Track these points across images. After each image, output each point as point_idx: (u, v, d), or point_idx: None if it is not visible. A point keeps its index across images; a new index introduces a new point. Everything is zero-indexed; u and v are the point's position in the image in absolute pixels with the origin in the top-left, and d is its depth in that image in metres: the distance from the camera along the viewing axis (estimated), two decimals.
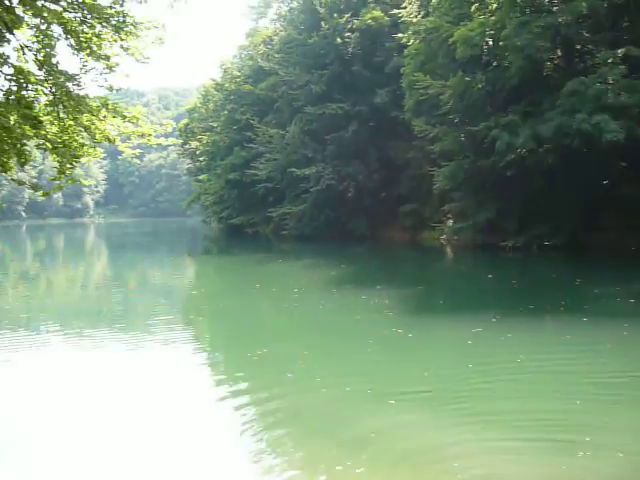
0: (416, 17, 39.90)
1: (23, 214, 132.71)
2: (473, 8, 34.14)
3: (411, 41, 39.02)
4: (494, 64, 33.59)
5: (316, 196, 49.31)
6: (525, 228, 33.04)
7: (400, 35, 41.22)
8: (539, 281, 24.48)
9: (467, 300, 20.52)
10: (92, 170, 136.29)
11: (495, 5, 32.75)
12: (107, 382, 12.04)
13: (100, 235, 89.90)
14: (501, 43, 31.48)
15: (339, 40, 48.43)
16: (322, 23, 49.79)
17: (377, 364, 12.74)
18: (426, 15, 38.76)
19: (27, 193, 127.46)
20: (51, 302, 24.63)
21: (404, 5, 41.93)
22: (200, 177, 76.69)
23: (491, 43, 32.91)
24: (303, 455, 8.27)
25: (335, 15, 49.81)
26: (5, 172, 9.58)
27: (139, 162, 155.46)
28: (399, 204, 45.84)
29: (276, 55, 56.96)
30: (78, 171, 10.48)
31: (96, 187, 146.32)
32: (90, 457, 8.28)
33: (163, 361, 13.68)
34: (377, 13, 47.20)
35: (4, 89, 8.90)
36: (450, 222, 40.41)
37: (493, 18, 32.22)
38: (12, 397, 11.10)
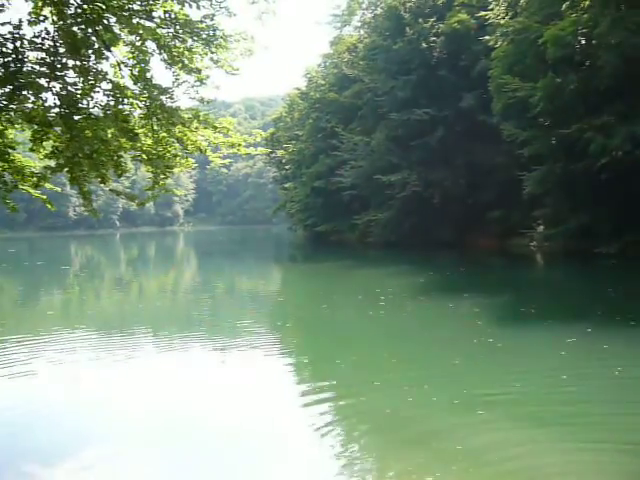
0: (504, 18, 39.08)
1: (117, 223, 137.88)
2: (564, 6, 33.01)
3: (499, 43, 38.27)
4: (587, 64, 32.45)
5: (401, 203, 48.97)
6: (621, 234, 31.73)
7: (487, 37, 40.47)
8: (637, 290, 23.41)
9: (560, 309, 19.82)
10: (182, 180, 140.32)
11: (588, 2, 31.61)
12: (195, 385, 12.33)
13: (189, 243, 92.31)
14: (594, 42, 30.41)
15: (424, 45, 48.02)
16: (407, 28, 49.52)
17: (465, 374, 12.48)
18: (514, 16, 37.91)
19: (121, 203, 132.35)
20: (143, 307, 25.45)
21: (491, 7, 41.17)
22: (286, 185, 77.61)
23: (583, 42, 31.84)
24: (389, 465, 8.18)
25: (420, 20, 49.44)
26: (104, 183, 9.97)
27: (227, 171, 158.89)
28: (486, 210, 44.90)
29: (360, 62, 57.05)
30: (169, 181, 10.79)
31: (185, 196, 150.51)
32: (180, 457, 8.49)
33: (250, 366, 13.86)
34: (463, 16, 46.53)
35: (102, 104, 9.28)
36: (540, 228, 39.29)
37: (585, 16, 31.14)
38: (106, 398, 11.51)
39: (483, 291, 23.83)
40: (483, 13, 41.97)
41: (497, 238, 44.32)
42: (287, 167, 76.08)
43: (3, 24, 8.76)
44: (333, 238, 59.67)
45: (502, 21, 38.91)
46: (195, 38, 8.94)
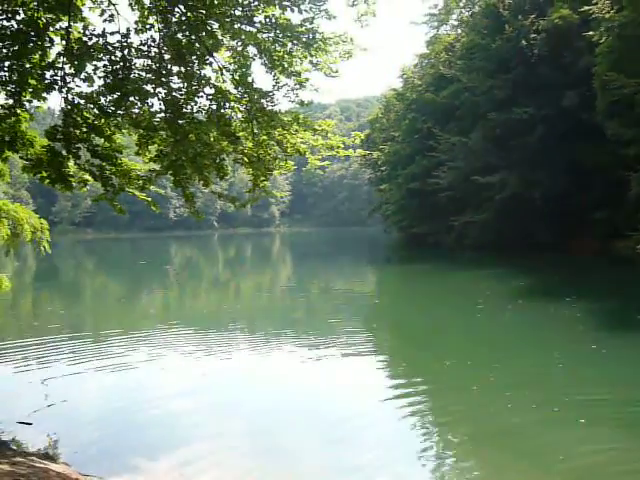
0: (608, 12, 37.42)
1: (215, 224, 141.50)
2: None
3: (603, 39, 36.71)
4: None
5: (500, 204, 47.78)
6: None
7: (591, 33, 38.88)
8: None
9: None
10: (278, 182, 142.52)
11: None
12: (289, 383, 12.53)
13: (284, 244, 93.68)
14: None
15: (524, 42, 46.65)
16: (506, 26, 48.29)
17: (566, 380, 12.06)
18: (620, 10, 36.26)
19: (219, 204, 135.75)
20: (239, 306, 26.02)
21: (595, 1, 39.51)
22: (381, 187, 77.31)
23: None
24: (486, 473, 7.97)
25: (519, 17, 48.11)
26: (206, 186, 10.21)
27: (322, 173, 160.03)
28: (589, 211, 43.09)
29: (458, 62, 56.12)
30: (267, 183, 10.95)
31: (282, 198, 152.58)
32: (274, 448, 8.62)
33: (343, 365, 13.92)
34: (565, 11, 44.87)
35: (205, 108, 9.50)
36: None
37: None
38: (203, 393, 11.85)
39: (586, 295, 22.89)
40: (586, 8, 40.28)
41: (600, 240, 42.48)
42: (383, 168, 75.79)
43: (112, 33, 9.11)
44: (429, 240, 58.89)
45: (607, 15, 37.24)
46: (295, 42, 8.98)
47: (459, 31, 64.14)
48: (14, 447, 8.64)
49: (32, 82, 9.10)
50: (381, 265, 48.94)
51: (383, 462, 8.32)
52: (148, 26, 9.30)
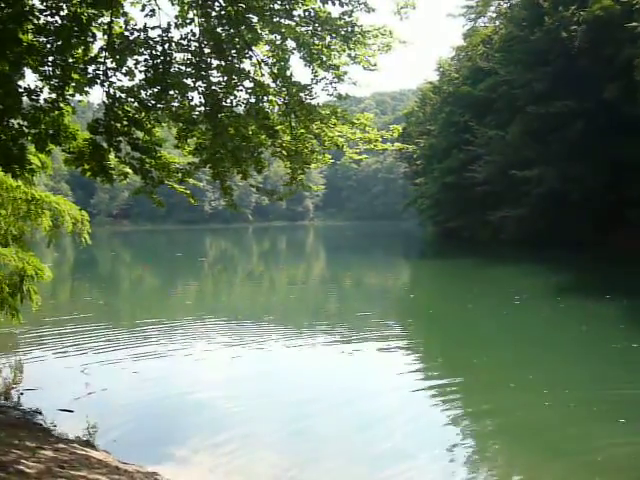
0: None
1: (250, 217, 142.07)
2: None
3: None
4: None
5: (537, 199, 47.14)
6: None
7: (634, 24, 38.06)
8: None
9: None
10: (312, 175, 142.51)
11: None
12: (321, 374, 12.62)
13: (318, 237, 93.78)
14: None
15: (564, 34, 45.81)
16: (545, 18, 47.49)
17: (606, 379, 11.87)
18: None
19: (254, 197, 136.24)
20: (274, 298, 26.17)
21: None
22: (417, 181, 76.92)
23: None
24: (518, 472, 7.91)
25: (560, 8, 47.25)
26: (245, 179, 10.30)
27: (357, 167, 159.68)
28: (629, 207, 42.24)
29: (496, 54, 55.46)
30: (303, 177, 11.01)
31: (316, 191, 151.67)
32: (309, 438, 8.68)
33: (377, 358, 13.93)
34: (607, 2, 43.91)
35: (244, 102, 9.57)
36: None
37: None
38: (238, 382, 12.00)
39: (627, 293, 22.44)
40: None
41: None
42: (418, 162, 75.39)
43: (153, 28, 9.22)
44: (464, 234, 58.40)
45: None
46: (334, 35, 8.98)
47: (497, 23, 63.36)
48: (56, 434, 8.83)
49: (75, 76, 9.26)
50: (416, 259, 48.73)
51: (413, 453, 8.35)
52: (188, 20, 9.40)
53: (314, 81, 9.40)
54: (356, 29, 8.97)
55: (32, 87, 9.17)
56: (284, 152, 10.18)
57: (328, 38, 9.17)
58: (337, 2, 8.50)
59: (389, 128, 10.32)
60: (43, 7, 8.97)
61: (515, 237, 49.19)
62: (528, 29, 49.36)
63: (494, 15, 65.79)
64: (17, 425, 8.71)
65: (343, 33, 8.98)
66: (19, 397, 10.81)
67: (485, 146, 53.99)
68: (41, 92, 9.27)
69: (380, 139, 9.87)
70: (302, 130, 9.82)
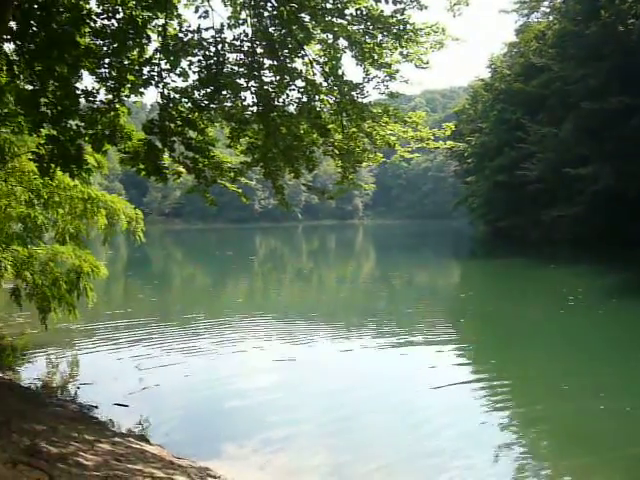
0: None
1: (300, 216, 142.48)
2: None
3: None
4: None
5: (592, 197, 46.04)
6: None
7: None
8: None
9: None
10: (362, 173, 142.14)
11: None
12: (370, 371, 12.60)
13: (368, 236, 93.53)
14: None
15: (620, 28, 44.65)
16: (601, 11, 46.34)
17: None
18: None
19: (303, 196, 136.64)
20: (323, 297, 26.22)
21: None
22: (467, 179, 76.04)
23: None
24: (568, 475, 7.76)
25: (616, 1, 46.05)
26: (297, 178, 10.36)
27: (407, 165, 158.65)
28: None
29: (549, 50, 54.44)
30: (354, 175, 11.01)
31: (366, 190, 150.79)
32: (353, 436, 8.67)
33: (425, 360, 13.81)
34: None
35: (296, 101, 9.62)
36: None
37: None
38: (285, 380, 12.09)
39: None
40: None
41: None
42: (469, 160, 74.51)
43: (207, 29, 9.36)
44: (516, 234, 57.44)
45: None
46: (386, 33, 8.96)
47: (551, 18, 62.10)
48: (112, 428, 9.03)
49: (130, 78, 9.46)
50: (466, 259, 48.18)
51: (460, 453, 8.29)
52: (241, 21, 9.51)
53: (366, 79, 9.40)
54: (408, 27, 8.93)
55: (89, 89, 9.41)
56: (336, 151, 10.20)
57: (380, 36, 9.15)
58: (390, 0, 8.46)
59: (440, 126, 10.26)
60: (100, 11, 9.19)
61: (569, 236, 48.19)
62: (583, 23, 48.29)
63: (547, 10, 64.53)
64: (75, 418, 8.93)
65: (395, 31, 8.95)
66: (76, 391, 11.10)
67: (538, 144, 53.02)
68: (98, 93, 9.50)
69: (432, 137, 9.80)
70: (354, 129, 9.83)
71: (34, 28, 8.86)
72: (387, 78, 9.32)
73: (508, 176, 57.12)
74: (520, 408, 10.40)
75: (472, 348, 15.54)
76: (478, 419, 9.69)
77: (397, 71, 9.31)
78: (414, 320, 18.87)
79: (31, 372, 12.24)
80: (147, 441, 8.51)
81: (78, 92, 9.23)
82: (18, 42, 9.10)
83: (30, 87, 9.47)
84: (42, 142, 9.51)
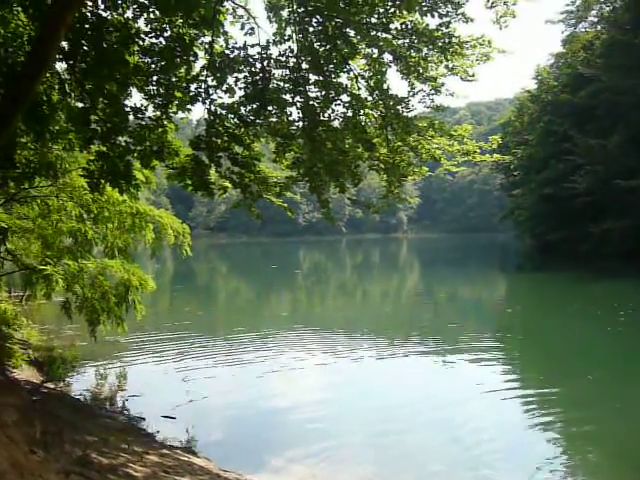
0: None
1: (343, 229, 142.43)
2: None
3: None
4: None
5: None
6: None
7: None
8: None
9: None
10: (406, 187, 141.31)
11: None
12: (414, 385, 12.53)
13: (412, 250, 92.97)
14: None
15: None
16: None
17: None
18: None
19: (347, 210, 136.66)
20: (367, 311, 26.13)
21: None
22: (514, 192, 75.01)
23: None
24: None
25: None
26: (342, 192, 10.38)
27: (452, 178, 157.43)
28: None
29: (597, 60, 53.51)
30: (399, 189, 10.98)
31: (410, 204, 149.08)
32: (399, 450, 8.58)
33: (470, 373, 13.65)
34: None
35: (341, 116, 9.66)
36: None
37: None
38: (328, 394, 12.08)
39: None
40: None
41: None
42: (515, 173, 73.52)
43: (252, 46, 9.48)
44: (564, 247, 56.34)
45: None
46: (431, 46, 8.94)
47: (598, 28, 61.11)
48: (160, 439, 9.13)
49: (178, 95, 9.63)
50: (512, 273, 47.46)
51: (501, 465, 8.21)
52: (286, 37, 9.59)
53: (411, 93, 9.38)
54: (454, 40, 8.90)
55: (138, 106, 9.61)
56: (381, 165, 10.20)
57: (425, 50, 9.14)
58: (436, 14, 8.44)
59: (486, 139, 10.16)
60: (148, 29, 9.39)
61: (620, 250, 47.02)
62: (631, 32, 47.46)
63: (595, 20, 63.52)
64: (124, 430, 9.06)
65: (440, 44, 8.93)
66: (124, 403, 11.27)
67: (586, 156, 51.99)
68: (146, 110, 9.70)
69: (478, 151, 9.72)
70: (399, 143, 9.82)
71: (85, 47, 9.09)
72: (432, 91, 9.30)
73: (555, 189, 56.12)
74: (569, 425, 10.19)
75: (519, 363, 15.30)
76: (524, 434, 9.55)
77: (442, 84, 9.28)
78: (459, 335, 18.64)
79: (81, 383, 12.48)
80: (194, 453, 8.59)
81: (127, 109, 9.44)
82: (69, 61, 9.34)
83: (81, 105, 9.71)
84: (92, 158, 9.73)
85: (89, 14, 8.96)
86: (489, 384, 12.39)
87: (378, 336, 18.85)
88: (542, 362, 15.37)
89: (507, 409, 10.90)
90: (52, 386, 11.65)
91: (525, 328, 20.45)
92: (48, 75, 8.94)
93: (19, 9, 9.14)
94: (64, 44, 8.83)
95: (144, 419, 10.20)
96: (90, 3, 8.88)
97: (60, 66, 9.57)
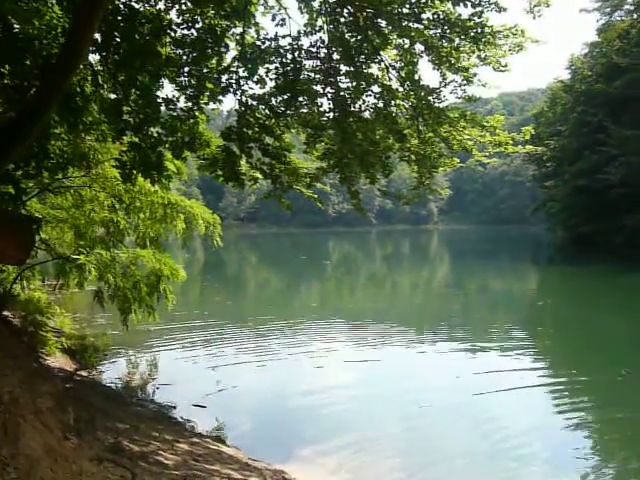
0: None
1: (373, 220, 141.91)
2: None
3: None
4: None
5: None
6: None
7: None
8: None
9: None
10: (436, 178, 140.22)
11: None
12: (443, 380, 12.47)
13: (442, 241, 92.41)
14: None
15: None
16: None
17: None
18: None
19: (377, 201, 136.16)
20: (396, 303, 26.06)
21: None
22: (546, 183, 74.03)
23: None
24: None
25: None
26: (373, 183, 10.36)
27: (483, 169, 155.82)
28: None
29: (633, 49, 52.50)
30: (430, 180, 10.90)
31: (441, 195, 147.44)
32: (429, 447, 8.56)
33: (501, 366, 13.53)
34: None
35: (372, 106, 9.61)
36: None
37: None
38: (359, 386, 12.11)
39: None
40: None
41: None
42: (547, 164, 72.54)
43: (284, 37, 9.47)
44: (598, 240, 55.49)
45: None
46: (463, 37, 8.84)
47: (635, 16, 59.88)
48: (189, 428, 9.23)
49: (209, 86, 9.66)
50: (544, 265, 46.95)
51: (533, 458, 8.17)
52: (317, 28, 9.56)
53: (442, 84, 9.29)
54: (486, 30, 8.78)
55: (170, 97, 9.67)
56: (412, 156, 10.13)
57: (457, 40, 9.04)
58: (469, 4, 8.33)
59: (518, 130, 10.04)
60: (180, 21, 9.43)
61: None
62: None
63: (632, 8, 62.21)
64: (155, 418, 9.18)
65: (473, 34, 8.82)
66: (154, 391, 11.40)
67: (620, 146, 51.11)
68: (178, 102, 9.75)
69: (511, 142, 9.60)
70: (430, 134, 9.74)
71: (117, 39, 9.16)
72: (464, 82, 9.20)
73: (589, 180, 55.29)
74: (601, 422, 10.07)
75: (550, 357, 15.13)
76: (554, 430, 9.47)
77: (474, 75, 9.17)
78: (490, 327, 18.51)
79: (112, 372, 12.66)
80: (223, 442, 8.66)
81: (159, 100, 9.49)
82: (102, 53, 9.43)
83: (113, 96, 9.80)
84: (124, 149, 9.82)
85: (122, 6, 9.02)
86: (520, 378, 12.30)
87: (408, 327, 18.81)
88: (574, 356, 15.20)
89: (537, 404, 10.83)
90: (84, 374, 11.84)
91: (556, 321, 20.24)
92: (81, 67, 9.02)
93: (53, 1, 9.24)
94: (97, 36, 8.90)
95: (175, 407, 10.33)
96: None
97: (93, 58, 9.66)
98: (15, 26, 9.03)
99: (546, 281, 35.70)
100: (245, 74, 9.64)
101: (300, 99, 9.61)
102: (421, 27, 8.88)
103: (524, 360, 14.12)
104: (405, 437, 9.33)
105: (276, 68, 9.49)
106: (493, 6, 8.58)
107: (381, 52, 9.40)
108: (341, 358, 14.32)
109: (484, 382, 12.09)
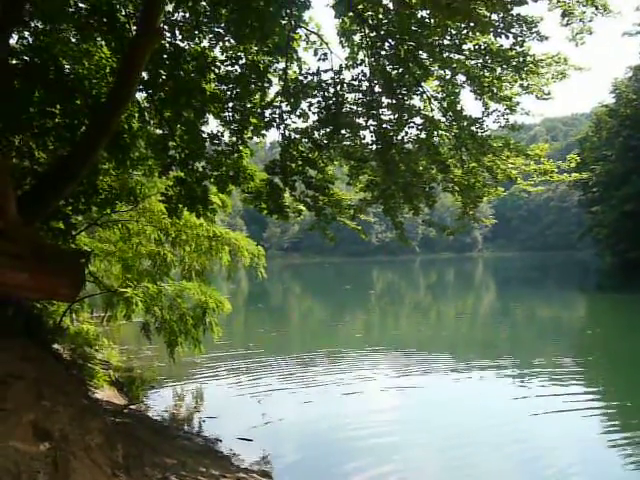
0: None
1: (417, 249, 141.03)
2: None
3: None
4: None
5: None
6: None
7: None
8: None
9: None
10: (480, 206, 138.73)
11: None
12: (490, 408, 12.26)
13: (487, 269, 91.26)
14: None
15: None
16: None
17: None
18: None
19: (420, 229, 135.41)
20: (440, 332, 25.75)
21: None
22: (592, 209, 72.76)
23: None
24: None
25: None
26: (416, 214, 10.32)
27: (527, 196, 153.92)
28: None
29: None
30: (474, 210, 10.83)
31: (486, 224, 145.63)
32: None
33: (548, 397, 13.21)
34: None
35: (414, 138, 9.62)
36: None
37: None
38: (403, 413, 12.00)
39: None
40: None
41: None
42: (594, 189, 71.39)
43: (326, 71, 9.60)
44: None
45: None
46: (505, 66, 8.83)
47: None
48: (236, 462, 9.20)
49: (253, 120, 9.82)
50: (592, 292, 45.88)
51: None
52: (359, 61, 9.65)
53: (485, 113, 9.26)
54: (528, 59, 8.75)
55: (214, 132, 9.84)
56: (456, 187, 10.08)
57: (499, 69, 9.03)
58: (510, 34, 8.31)
59: (563, 156, 9.94)
60: (224, 58, 9.63)
61: None
62: None
63: None
64: (201, 452, 9.18)
65: (515, 64, 8.79)
66: (200, 424, 11.43)
67: None
68: (222, 136, 9.91)
69: (556, 170, 9.49)
70: (473, 164, 9.69)
71: (163, 77, 9.39)
72: (507, 111, 9.15)
73: (636, 205, 54.23)
74: None
75: (600, 388, 14.72)
76: (603, 462, 9.19)
77: (517, 103, 9.12)
78: (537, 356, 18.09)
79: (159, 404, 12.74)
80: (270, 477, 8.60)
81: (204, 136, 9.67)
82: (149, 90, 9.67)
83: (159, 132, 10.02)
84: (170, 184, 10.00)
85: (167, 45, 9.26)
86: (568, 408, 12.00)
87: (453, 357, 18.57)
88: (624, 387, 14.76)
89: (586, 434, 10.53)
90: (132, 407, 11.93)
91: (606, 351, 19.70)
92: (129, 104, 9.26)
93: (102, 43, 9.53)
94: (144, 74, 9.15)
95: (220, 441, 10.31)
96: (168, 34, 9.18)
97: (140, 95, 9.91)
98: (66, 67, 9.35)
99: (594, 309, 34.86)
100: (288, 108, 9.77)
101: (342, 132, 9.68)
102: (462, 58, 8.90)
103: (573, 391, 13.75)
104: (451, 467, 9.24)
105: (318, 102, 9.59)
106: (535, 35, 8.55)
107: (422, 83, 9.43)
108: (386, 390, 14.20)
109: (530, 411, 11.83)
